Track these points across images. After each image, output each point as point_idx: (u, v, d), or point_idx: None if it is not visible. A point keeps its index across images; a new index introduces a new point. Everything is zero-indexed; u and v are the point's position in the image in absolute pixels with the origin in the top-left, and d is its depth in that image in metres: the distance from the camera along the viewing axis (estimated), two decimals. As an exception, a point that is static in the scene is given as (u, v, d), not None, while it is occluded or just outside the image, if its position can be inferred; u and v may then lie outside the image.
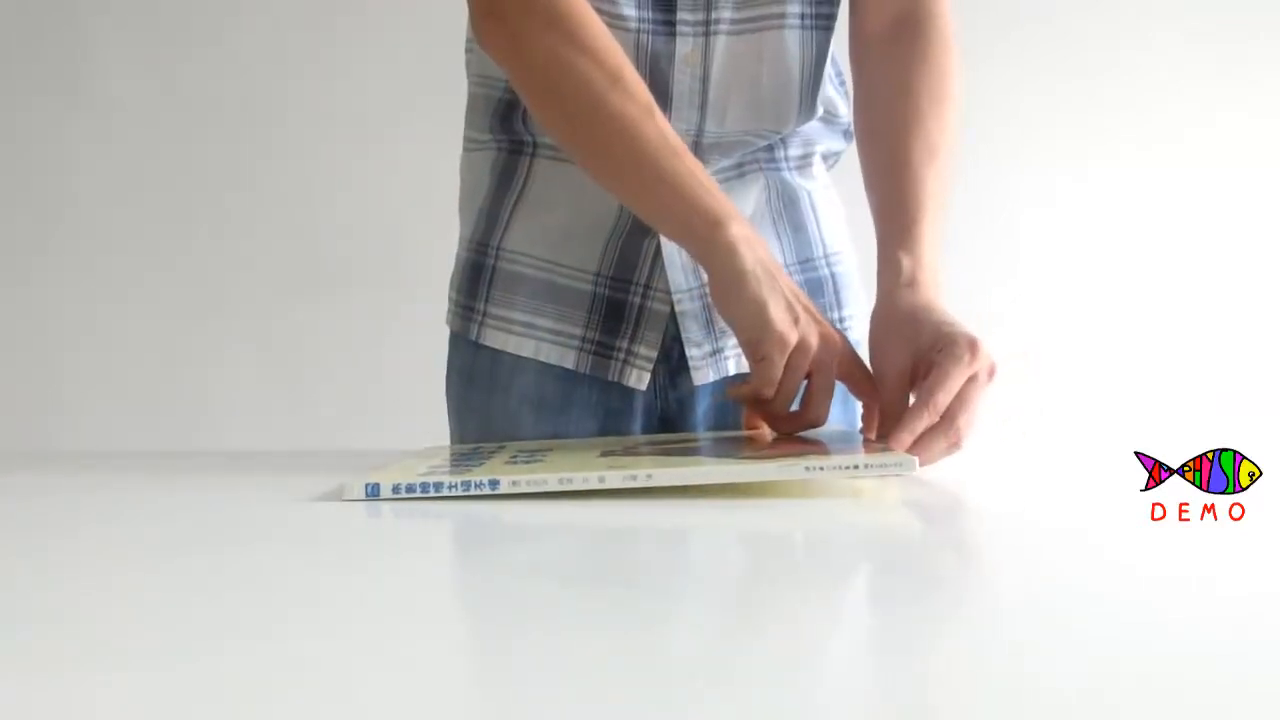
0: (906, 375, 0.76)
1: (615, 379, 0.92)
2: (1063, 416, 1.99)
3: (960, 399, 0.72)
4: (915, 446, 0.69)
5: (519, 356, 0.93)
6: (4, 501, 0.67)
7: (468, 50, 0.97)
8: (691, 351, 0.91)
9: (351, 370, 2.11)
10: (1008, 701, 0.26)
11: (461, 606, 0.36)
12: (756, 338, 0.74)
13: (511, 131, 0.94)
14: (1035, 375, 1.93)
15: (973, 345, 0.72)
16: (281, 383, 2.12)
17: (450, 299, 0.99)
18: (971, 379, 0.72)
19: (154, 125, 2.13)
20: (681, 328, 0.91)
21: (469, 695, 0.26)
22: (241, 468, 0.84)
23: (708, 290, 0.81)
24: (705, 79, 0.88)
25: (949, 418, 0.71)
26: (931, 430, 0.71)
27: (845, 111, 0.98)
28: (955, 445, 0.71)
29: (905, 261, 0.80)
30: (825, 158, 0.99)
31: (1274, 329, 2.03)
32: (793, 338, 0.74)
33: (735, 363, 0.93)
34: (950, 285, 0.81)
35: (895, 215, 0.84)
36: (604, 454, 0.70)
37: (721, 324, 0.91)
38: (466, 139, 0.99)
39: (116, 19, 2.13)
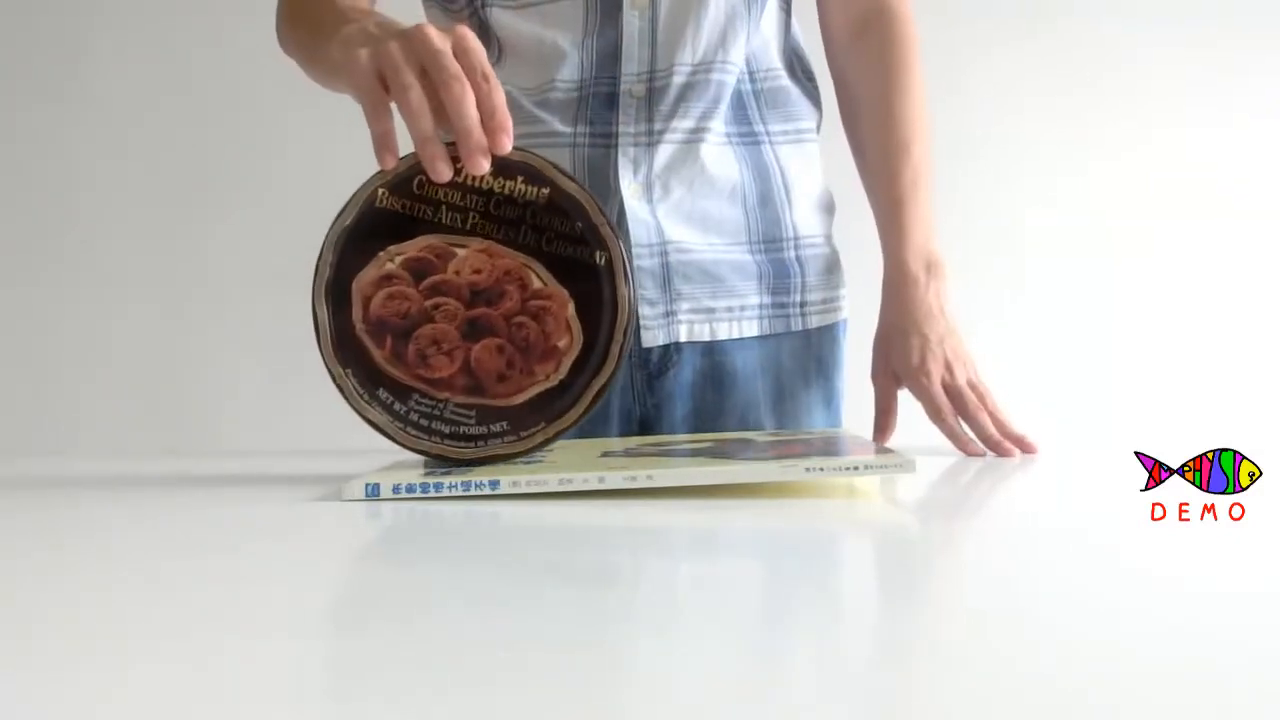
0: (889, 389, 0.93)
1: None
2: (1062, 417, 1.99)
3: (957, 405, 0.88)
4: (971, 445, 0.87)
5: None
6: (3, 501, 0.67)
7: None
8: (644, 310, 0.92)
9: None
10: (1008, 701, 0.26)
11: (461, 607, 0.36)
12: (343, 64, 0.68)
13: None
14: (1034, 375, 1.93)
15: (919, 372, 0.89)
16: (281, 383, 2.12)
17: None
18: (948, 389, 0.89)
19: (154, 126, 2.13)
20: (637, 283, 0.91)
21: (470, 695, 0.26)
22: (241, 468, 0.84)
23: (668, 249, 0.91)
24: (655, 20, 0.90)
25: (970, 417, 0.88)
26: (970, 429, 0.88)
27: (814, 81, 1.01)
28: (989, 422, 0.88)
29: (893, 255, 0.94)
30: (804, 133, 1.00)
31: (1274, 330, 2.03)
32: (373, 46, 0.66)
33: (686, 329, 0.93)
34: (952, 282, 0.94)
35: (882, 214, 0.96)
36: (604, 454, 0.70)
37: (678, 286, 0.92)
38: None
39: (116, 19, 2.13)
